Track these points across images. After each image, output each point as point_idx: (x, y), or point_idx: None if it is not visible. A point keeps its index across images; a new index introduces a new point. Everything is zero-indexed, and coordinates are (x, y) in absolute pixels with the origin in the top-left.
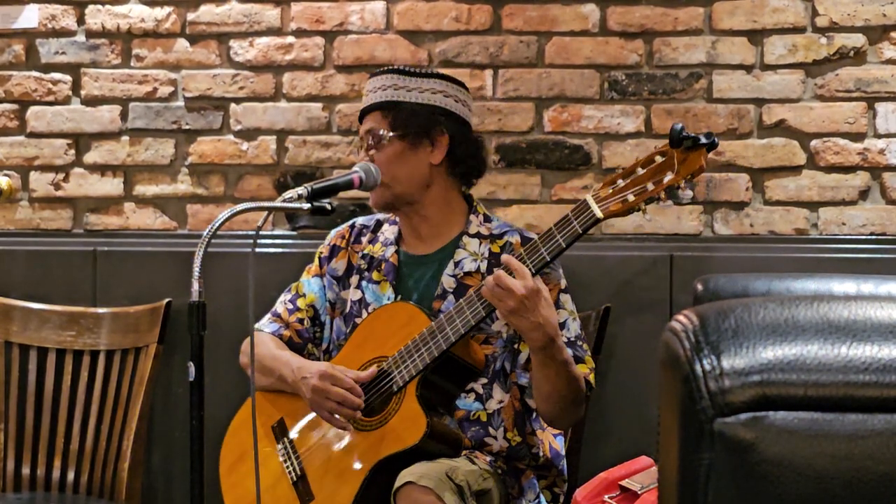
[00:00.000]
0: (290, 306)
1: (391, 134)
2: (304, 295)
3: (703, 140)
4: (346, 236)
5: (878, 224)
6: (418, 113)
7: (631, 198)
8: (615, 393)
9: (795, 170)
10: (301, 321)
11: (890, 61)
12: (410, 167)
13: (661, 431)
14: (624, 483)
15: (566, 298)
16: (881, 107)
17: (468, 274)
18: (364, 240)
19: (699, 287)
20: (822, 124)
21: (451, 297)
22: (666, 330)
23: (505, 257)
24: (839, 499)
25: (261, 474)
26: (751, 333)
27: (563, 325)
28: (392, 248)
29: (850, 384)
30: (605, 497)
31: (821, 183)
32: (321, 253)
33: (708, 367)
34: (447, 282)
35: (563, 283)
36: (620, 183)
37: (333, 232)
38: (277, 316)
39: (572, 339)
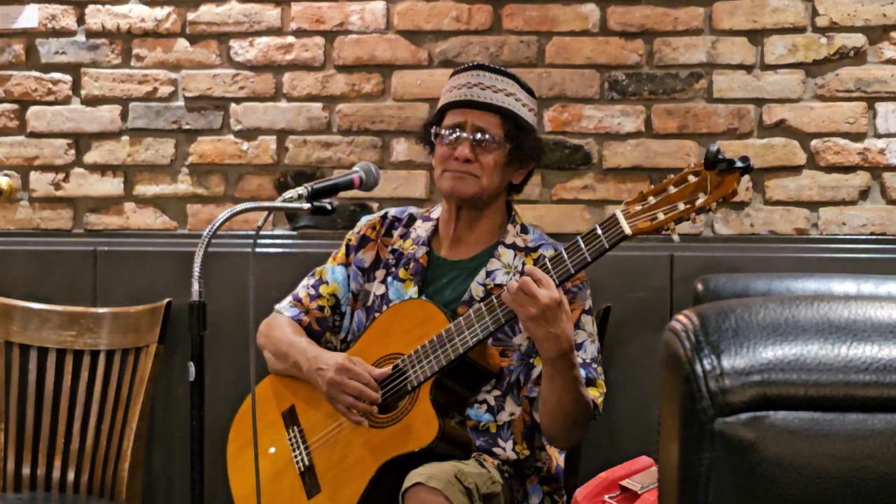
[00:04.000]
0: (312, 292)
1: (507, 145)
2: (326, 282)
3: (739, 164)
4: (377, 227)
5: (878, 224)
6: (532, 139)
7: (661, 216)
8: (615, 393)
9: (795, 170)
10: (321, 308)
11: (890, 61)
12: (502, 177)
13: (662, 431)
14: (624, 483)
15: (587, 320)
16: (881, 107)
17: (498, 286)
18: (395, 233)
19: (699, 287)
20: (822, 124)
21: (477, 305)
22: (666, 330)
23: (529, 267)
24: (839, 499)
25: (268, 461)
26: (751, 333)
27: (580, 346)
28: (423, 249)
29: (850, 384)
30: (606, 497)
31: (821, 183)
32: (349, 241)
33: (708, 367)
34: (476, 289)
35: (588, 304)
36: (651, 200)
37: (364, 221)
38: (298, 300)
39: (588, 360)
